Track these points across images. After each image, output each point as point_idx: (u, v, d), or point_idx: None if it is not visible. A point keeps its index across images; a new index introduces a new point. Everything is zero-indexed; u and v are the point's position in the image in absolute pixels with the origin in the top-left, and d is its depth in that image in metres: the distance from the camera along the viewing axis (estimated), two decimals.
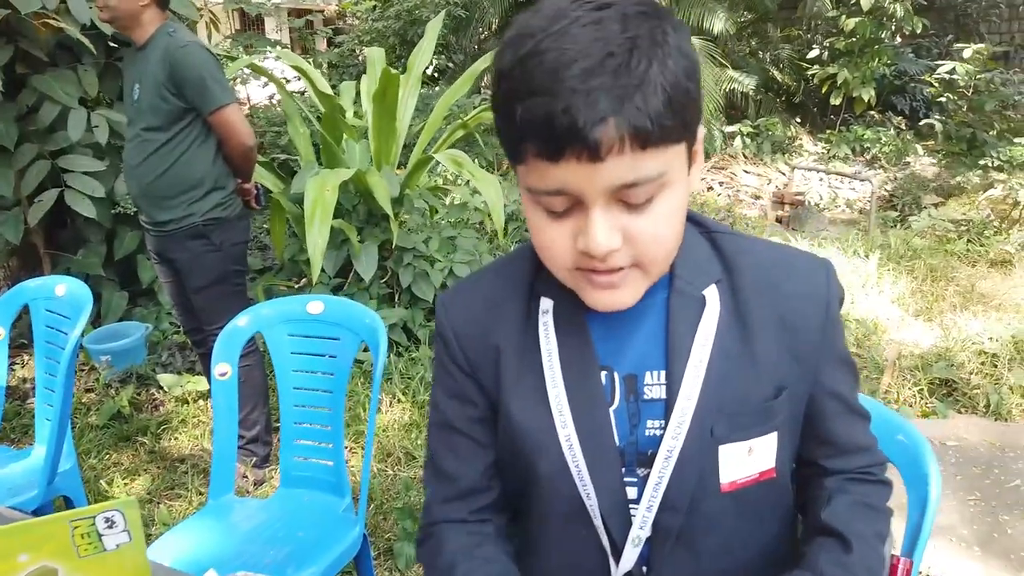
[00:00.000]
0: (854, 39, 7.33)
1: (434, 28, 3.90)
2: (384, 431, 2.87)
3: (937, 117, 7.44)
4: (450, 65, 9.16)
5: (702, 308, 0.79)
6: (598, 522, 0.80)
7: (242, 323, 1.88)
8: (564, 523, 0.82)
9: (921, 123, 7.62)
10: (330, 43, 10.53)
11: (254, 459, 2.58)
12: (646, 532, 0.79)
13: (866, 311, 3.68)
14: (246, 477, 2.54)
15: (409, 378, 3.17)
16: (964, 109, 7.63)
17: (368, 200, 3.39)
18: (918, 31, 7.93)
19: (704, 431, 0.77)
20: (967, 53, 7.41)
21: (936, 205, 5.52)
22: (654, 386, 0.79)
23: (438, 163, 3.85)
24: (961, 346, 3.27)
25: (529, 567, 0.87)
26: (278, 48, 5.71)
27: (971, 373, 3.09)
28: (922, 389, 3.00)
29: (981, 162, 6.05)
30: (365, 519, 1.77)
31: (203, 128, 2.35)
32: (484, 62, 3.80)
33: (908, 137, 7.36)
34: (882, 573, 0.83)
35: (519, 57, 0.64)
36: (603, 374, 0.80)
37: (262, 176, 3.40)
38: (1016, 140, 6.11)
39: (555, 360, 0.80)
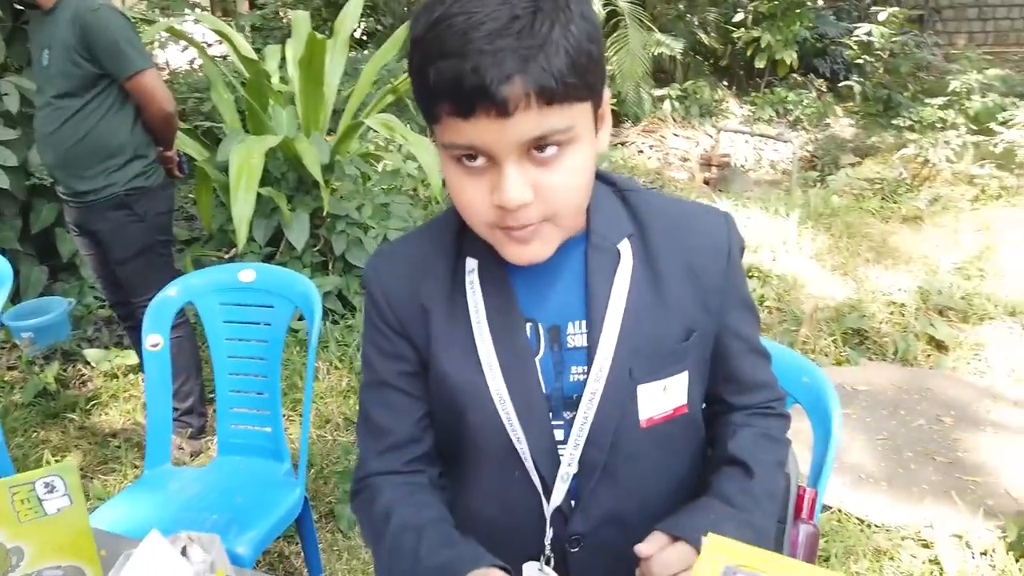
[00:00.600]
0: (776, 2, 7.48)
1: None
2: (321, 398, 2.89)
3: (856, 79, 7.69)
4: (379, 28, 8.96)
5: (617, 261, 0.85)
6: (529, 464, 0.85)
7: (172, 293, 1.86)
8: (498, 467, 0.87)
9: (841, 85, 7.86)
10: (252, 5, 10.16)
11: (189, 430, 2.57)
12: (573, 469, 0.85)
13: (786, 267, 3.84)
14: (182, 448, 2.52)
15: (346, 345, 3.18)
16: (881, 71, 7.90)
17: (297, 167, 3.35)
18: None
19: (623, 373, 0.83)
20: (883, 16, 7.66)
21: (853, 165, 5.75)
22: (576, 335, 0.85)
23: (369, 128, 3.82)
24: (872, 298, 3.46)
25: (466, 510, 0.91)
26: (197, 11, 5.51)
27: (881, 323, 3.28)
28: (836, 339, 3.18)
29: (895, 122, 6.32)
30: (306, 482, 1.80)
31: (119, 94, 2.29)
32: (408, 28, 3.76)
33: (828, 99, 7.59)
34: (780, 495, 0.91)
35: (431, 22, 0.68)
36: (528, 326, 0.85)
37: (185, 144, 3.31)
38: (927, 101, 6.39)
39: (482, 316, 0.84)
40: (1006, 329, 3.16)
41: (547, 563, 0.87)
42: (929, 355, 3.09)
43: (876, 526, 2.12)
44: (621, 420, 0.85)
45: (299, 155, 3.11)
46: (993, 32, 10.61)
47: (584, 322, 0.85)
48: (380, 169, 4.36)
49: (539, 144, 0.71)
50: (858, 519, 2.15)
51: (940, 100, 6.17)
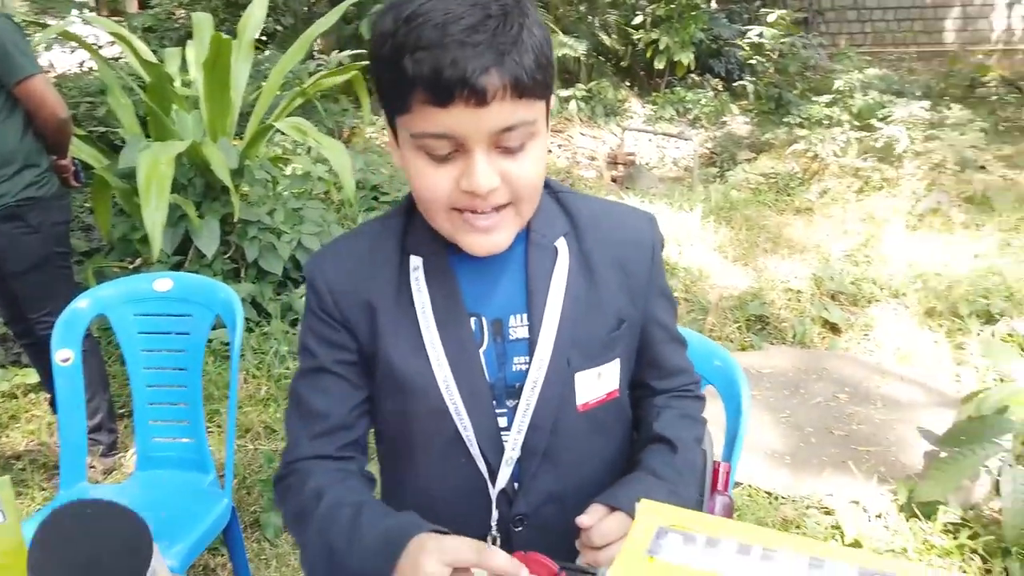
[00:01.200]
0: (673, 5, 7.77)
1: None
2: (240, 407, 2.83)
3: (749, 79, 8.07)
4: (279, 28, 8.76)
5: (555, 257, 0.91)
6: (475, 450, 0.90)
7: (83, 305, 1.81)
8: (445, 454, 0.91)
9: (735, 84, 8.23)
10: (143, 4, 9.75)
11: (100, 447, 2.48)
12: (516, 453, 0.91)
13: (692, 259, 4.02)
14: (94, 467, 2.43)
15: (263, 353, 3.13)
16: (772, 71, 8.32)
17: (205, 173, 3.26)
18: None
19: (562, 362, 0.90)
20: (772, 18, 8.08)
21: (749, 160, 6.04)
22: (518, 327, 0.91)
23: (278, 132, 3.76)
24: (772, 286, 3.67)
25: (413, 496, 0.95)
26: (85, 11, 5.26)
27: (780, 309, 3.48)
28: (740, 325, 3.36)
29: (787, 120, 6.67)
30: (233, 491, 1.78)
31: (6, 101, 2.19)
32: (320, 26, 3.73)
33: (724, 98, 7.94)
34: (700, 469, 1.00)
35: (403, 17, 0.73)
36: (472, 320, 0.90)
37: (81, 151, 3.18)
38: (815, 99, 6.78)
39: (428, 311, 0.89)
40: (891, 310, 3.41)
41: (493, 543, 0.92)
42: (824, 337, 3.30)
43: (783, 498, 2.27)
44: (560, 406, 0.91)
45: (207, 160, 3.03)
46: (871, 33, 11.32)
47: (525, 315, 0.90)
48: (289, 173, 4.29)
49: (507, 134, 0.76)
50: (766, 492, 2.29)
51: (826, 98, 6.57)
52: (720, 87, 8.20)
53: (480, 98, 0.72)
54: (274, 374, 3.00)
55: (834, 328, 3.33)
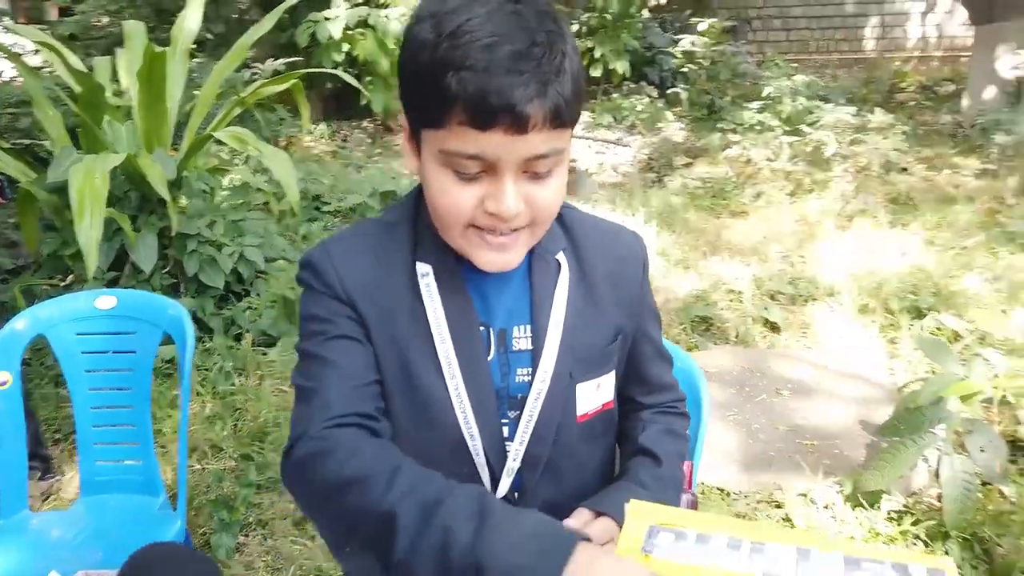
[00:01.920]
0: (607, 15, 7.90)
1: None
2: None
3: (682, 86, 8.26)
4: (208, 36, 8.57)
5: (558, 271, 0.93)
6: (480, 459, 0.90)
7: (20, 327, 1.73)
8: (449, 462, 0.89)
9: (669, 92, 8.41)
10: (64, 11, 9.39)
11: (37, 474, 2.37)
12: (517, 464, 0.92)
13: None
14: (31, 496, 2.32)
15: (206, 370, 3.04)
16: (704, 78, 8.54)
17: (140, 186, 3.16)
18: (663, 2, 8.70)
19: (565, 374, 0.92)
20: (702, 27, 8.29)
21: (686, 165, 6.18)
22: (521, 338, 0.92)
23: (216, 142, 3.67)
24: (714, 288, 3.76)
25: None
26: (5, 20, 5.04)
27: (723, 310, 3.57)
28: (686, 327, 3.43)
29: (720, 125, 6.85)
30: (186, 514, 1.73)
31: None
32: (255, 33, 3.67)
33: (659, 105, 8.10)
34: (681, 482, 1.03)
35: (447, 32, 0.73)
36: (481, 329, 0.90)
37: (6, 164, 3.05)
38: (746, 105, 6.98)
39: (442, 319, 0.88)
40: (827, 308, 3.53)
41: None
42: (765, 336, 3.40)
43: (735, 494, 2.32)
44: (562, 417, 0.92)
45: (143, 173, 2.94)
46: (796, 42, 11.73)
47: (528, 326, 0.91)
48: (227, 184, 4.20)
49: (538, 161, 0.77)
50: (719, 489, 2.35)
51: (757, 104, 6.77)
52: (655, 94, 8.36)
53: (521, 127, 0.73)
54: (220, 391, 2.93)
55: (774, 327, 3.43)
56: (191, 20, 3.51)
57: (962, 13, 9.24)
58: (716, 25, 8.50)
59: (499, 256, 0.84)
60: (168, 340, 1.79)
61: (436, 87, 0.73)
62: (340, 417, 0.82)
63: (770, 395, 2.86)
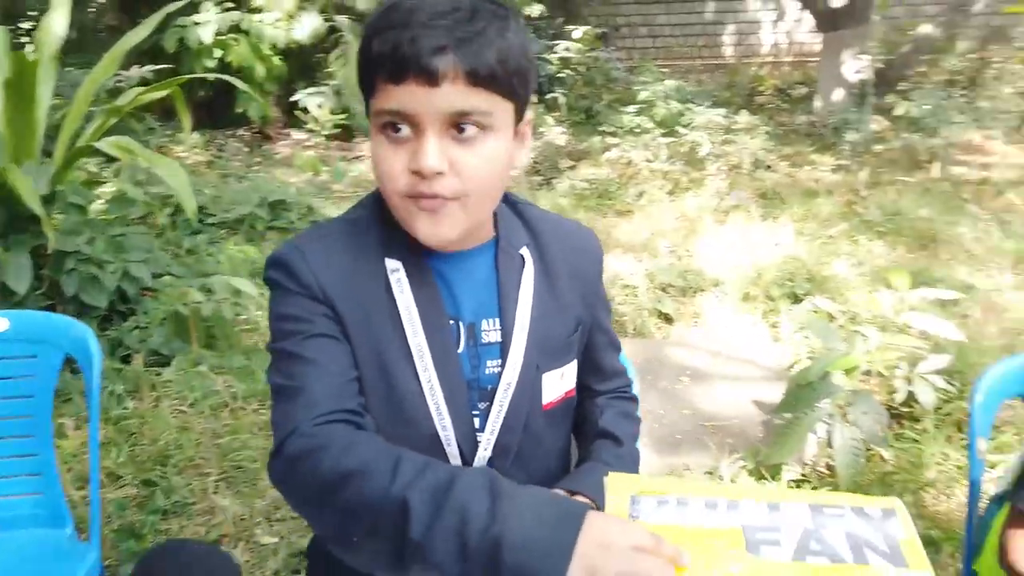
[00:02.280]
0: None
1: (62, 0, 3.45)
2: (74, 456, 2.58)
3: (560, 91, 8.48)
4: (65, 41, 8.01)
5: (522, 265, 0.97)
6: (452, 449, 0.92)
7: None
8: (421, 452, 0.89)
9: (548, 97, 8.62)
10: None
11: None
12: (488, 453, 0.95)
13: None
14: None
15: None
16: (580, 83, 8.81)
17: (8, 201, 2.93)
18: (535, 15, 8.90)
19: (532, 365, 0.96)
20: (577, 34, 8.55)
21: (571, 168, 6.35)
22: (490, 331, 0.95)
23: (92, 154, 3.46)
24: (610, 283, 3.89)
25: None
26: None
27: (620, 304, 3.71)
28: None
29: (600, 129, 7.09)
30: (100, 545, 1.63)
31: None
32: (131, 39, 3.48)
33: (539, 110, 8.28)
34: (638, 461, 1.09)
35: (384, 9, 0.80)
36: (451, 323, 0.93)
37: None
38: (622, 109, 7.27)
39: (414, 312, 0.90)
40: (714, 298, 3.75)
41: None
42: (660, 327, 3.57)
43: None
44: (529, 406, 0.96)
45: (12, 188, 2.73)
46: (662, 48, 12.30)
47: (497, 320, 0.95)
48: (104, 197, 3.96)
49: (460, 121, 0.80)
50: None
51: (633, 108, 7.06)
52: (535, 99, 8.54)
53: (431, 77, 0.76)
54: (111, 416, 2.76)
55: (668, 318, 3.61)
56: (57, 24, 3.29)
57: (809, 21, 10.01)
58: (589, 32, 8.78)
59: (434, 227, 0.84)
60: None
61: (367, 53, 0.80)
62: (329, 414, 0.82)
63: (671, 382, 3.01)
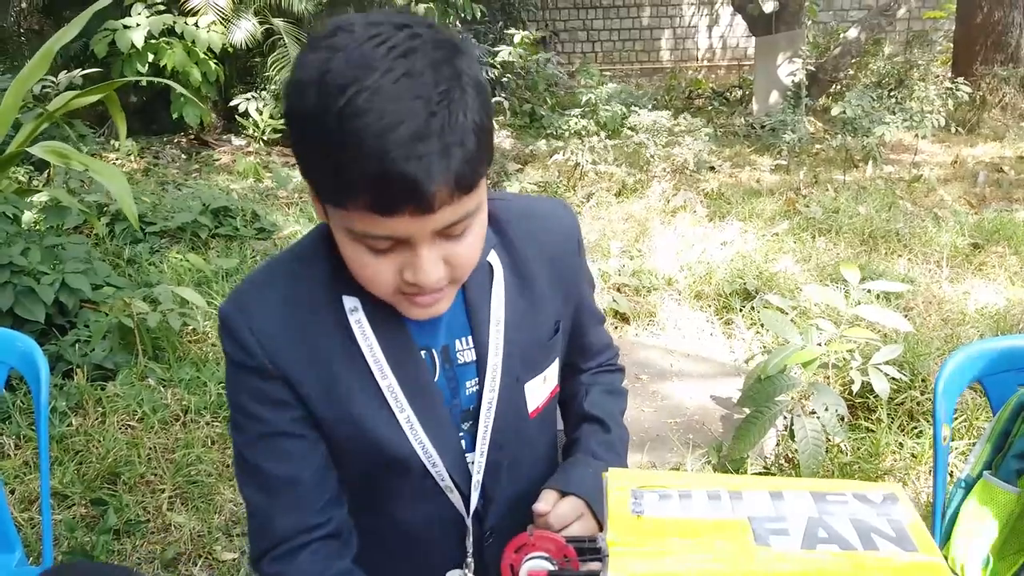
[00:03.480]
0: None
1: None
2: (16, 477, 2.45)
3: (502, 95, 8.50)
4: None
5: (491, 274, 0.90)
6: (446, 483, 0.89)
7: None
8: (416, 492, 0.90)
9: (492, 102, 8.64)
10: None
11: None
12: (481, 476, 0.91)
13: None
14: None
15: (34, 412, 2.71)
16: (522, 88, 8.84)
17: None
18: (476, 17, 8.91)
19: (512, 378, 0.91)
20: (517, 39, 8.58)
21: (518, 171, 6.37)
22: (464, 351, 0.90)
23: (23, 161, 3.30)
24: None
25: (391, 535, 0.92)
26: None
27: None
28: None
29: (546, 132, 7.13)
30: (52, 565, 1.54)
31: None
32: (59, 41, 3.33)
33: None
34: (627, 439, 1.07)
35: (336, 111, 0.65)
36: (423, 353, 0.87)
37: None
38: (566, 113, 7.33)
39: (379, 354, 0.84)
40: (668, 297, 3.80)
41: (469, 569, 0.93)
42: (617, 327, 3.59)
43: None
44: (515, 419, 0.92)
45: None
46: (601, 53, 12.47)
47: (469, 338, 0.89)
48: (34, 205, 3.78)
49: (452, 227, 0.73)
50: None
51: (576, 111, 7.12)
52: None
53: (428, 208, 0.68)
54: (54, 434, 2.62)
55: (624, 317, 3.63)
56: None
57: (742, 25, 10.28)
58: (529, 36, 8.82)
59: (427, 311, 0.80)
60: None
61: (333, 170, 0.67)
62: (294, 538, 0.85)
63: (630, 381, 3.03)
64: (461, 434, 0.91)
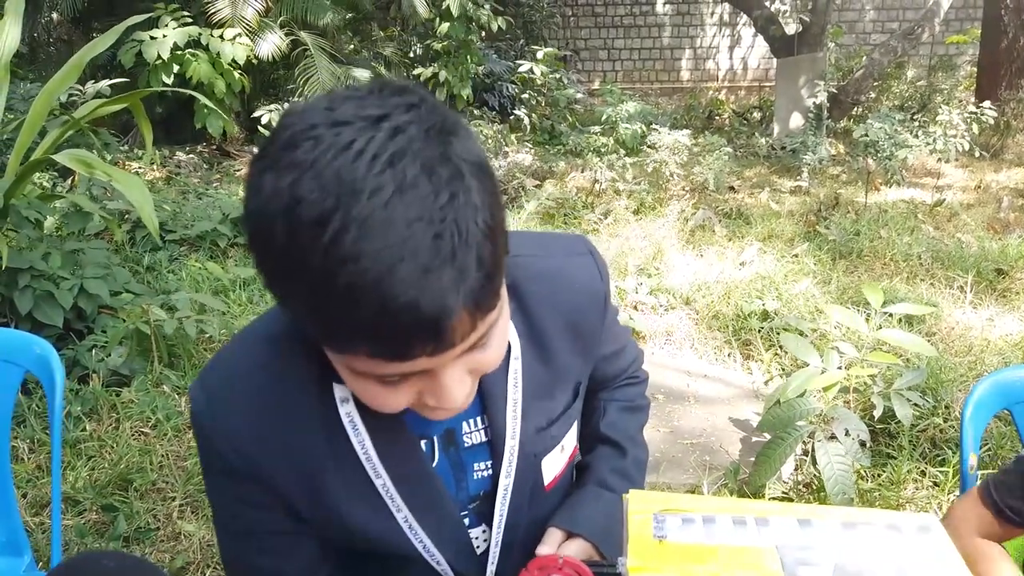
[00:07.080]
0: (449, 41, 8.02)
1: (15, 9, 3.33)
2: (28, 481, 2.45)
3: (524, 111, 8.53)
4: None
5: (507, 349, 0.79)
6: (451, 574, 0.84)
7: None
8: (422, 573, 0.84)
9: (511, 117, 8.66)
10: None
11: None
12: (495, 566, 0.86)
13: None
14: None
15: (46, 416, 2.72)
16: (543, 104, 8.87)
17: None
18: (498, 29, 8.98)
19: (529, 457, 0.83)
20: (540, 55, 8.62)
21: (537, 187, 6.37)
22: (473, 432, 0.81)
23: (46, 168, 3.33)
24: None
25: None
26: None
27: None
28: None
29: (565, 149, 7.14)
30: None
31: None
32: (90, 52, 3.37)
33: (504, 130, 8.31)
34: (646, 460, 1.02)
35: (319, 253, 0.51)
36: (423, 443, 0.79)
37: None
38: (586, 130, 7.33)
39: (371, 450, 0.75)
40: (686, 316, 3.76)
41: None
42: None
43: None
44: (532, 496, 0.86)
45: None
46: (621, 71, 12.50)
47: (480, 419, 0.81)
48: (57, 211, 3.82)
49: (475, 344, 0.63)
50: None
51: (597, 129, 7.12)
52: (497, 120, 8.57)
53: (448, 345, 0.58)
54: (68, 439, 2.63)
55: (640, 336, 3.60)
56: (11, 35, 3.17)
57: (763, 47, 10.27)
58: (551, 53, 8.86)
59: (448, 414, 0.70)
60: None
61: (322, 323, 0.56)
62: None
63: None
64: (465, 512, 0.84)
